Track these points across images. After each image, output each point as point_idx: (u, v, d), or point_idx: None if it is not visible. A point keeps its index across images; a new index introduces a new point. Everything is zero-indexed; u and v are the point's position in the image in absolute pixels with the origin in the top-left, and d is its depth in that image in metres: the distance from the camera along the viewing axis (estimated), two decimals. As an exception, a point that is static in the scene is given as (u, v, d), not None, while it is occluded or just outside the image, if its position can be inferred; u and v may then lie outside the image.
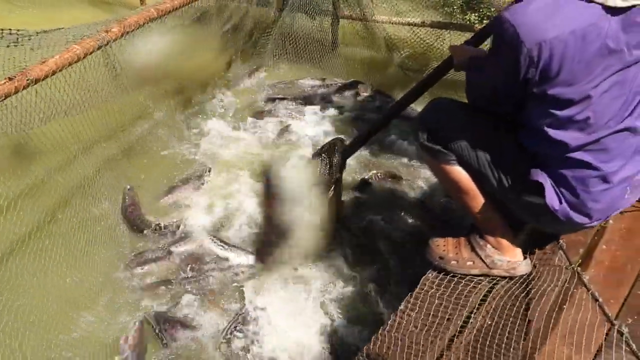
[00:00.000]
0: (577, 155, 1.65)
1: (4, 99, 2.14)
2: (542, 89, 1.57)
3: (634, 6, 1.47)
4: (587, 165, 1.66)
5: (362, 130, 2.70)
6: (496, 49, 1.66)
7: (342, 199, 2.88)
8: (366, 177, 3.27)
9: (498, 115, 1.81)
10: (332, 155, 2.58)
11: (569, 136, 1.62)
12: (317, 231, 2.51)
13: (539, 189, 1.72)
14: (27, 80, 2.19)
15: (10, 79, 2.18)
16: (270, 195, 2.65)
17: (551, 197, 1.72)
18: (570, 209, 1.74)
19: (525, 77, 1.57)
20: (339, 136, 2.68)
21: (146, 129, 3.54)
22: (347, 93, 4.26)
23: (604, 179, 1.68)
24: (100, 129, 3.08)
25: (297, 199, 2.44)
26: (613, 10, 1.47)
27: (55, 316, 2.32)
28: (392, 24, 4.19)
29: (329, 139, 2.99)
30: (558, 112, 1.59)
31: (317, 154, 2.68)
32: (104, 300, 2.50)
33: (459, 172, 1.92)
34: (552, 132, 1.63)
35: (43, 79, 2.29)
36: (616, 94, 1.57)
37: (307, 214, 2.42)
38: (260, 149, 3.62)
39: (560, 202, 1.73)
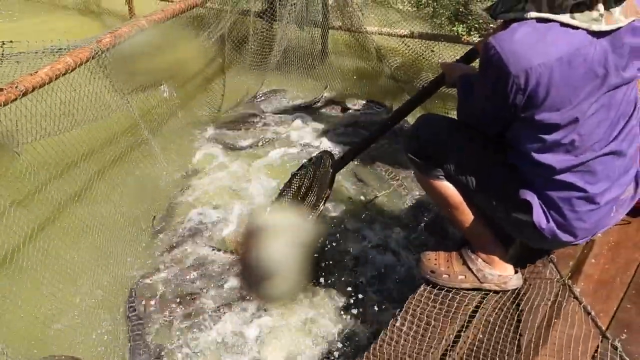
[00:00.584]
0: (564, 177, 1.67)
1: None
2: (528, 113, 1.59)
3: (620, 28, 1.50)
4: (574, 187, 1.68)
5: (353, 143, 2.68)
6: (484, 73, 1.67)
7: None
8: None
9: (488, 133, 1.83)
10: (320, 169, 2.53)
11: (555, 159, 1.64)
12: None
13: (527, 207, 1.73)
14: (17, 91, 2.18)
15: (-1, 90, 2.17)
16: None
17: (538, 216, 1.74)
18: (556, 227, 1.76)
19: (513, 102, 1.58)
20: (326, 150, 2.64)
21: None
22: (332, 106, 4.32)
23: (590, 200, 1.70)
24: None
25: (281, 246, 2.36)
26: (599, 34, 1.49)
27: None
28: (382, 34, 4.22)
29: (314, 153, 2.96)
30: (545, 136, 1.61)
31: (304, 166, 2.60)
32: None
33: (447, 187, 1.93)
34: (538, 155, 1.65)
35: (33, 91, 2.28)
36: (602, 117, 1.59)
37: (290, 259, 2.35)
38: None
39: (548, 221, 1.75)
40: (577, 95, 1.53)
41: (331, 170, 2.46)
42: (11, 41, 2.43)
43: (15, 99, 2.22)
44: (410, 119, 2.92)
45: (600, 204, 1.71)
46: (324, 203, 2.49)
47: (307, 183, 2.47)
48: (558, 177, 1.67)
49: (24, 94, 2.25)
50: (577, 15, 1.48)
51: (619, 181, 1.72)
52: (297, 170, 2.59)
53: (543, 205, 1.74)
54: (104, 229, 2.84)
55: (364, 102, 4.35)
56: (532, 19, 1.52)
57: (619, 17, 1.49)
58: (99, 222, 2.86)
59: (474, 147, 1.87)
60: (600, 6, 1.47)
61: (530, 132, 1.64)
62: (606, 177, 1.68)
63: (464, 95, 1.88)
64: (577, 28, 1.48)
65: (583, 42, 1.48)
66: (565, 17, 1.48)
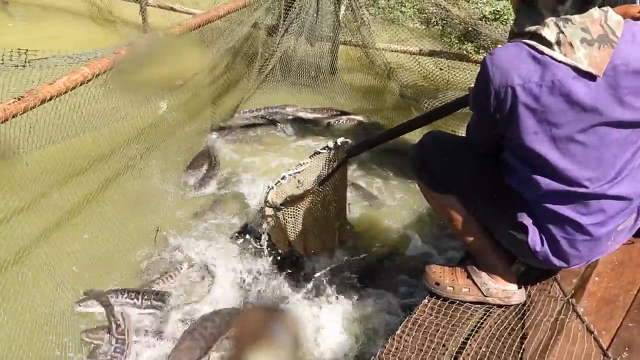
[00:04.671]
0: (557, 206, 1.71)
1: (12, 118, 2.19)
2: (508, 133, 1.65)
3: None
4: (566, 217, 1.72)
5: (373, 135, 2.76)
6: (475, 85, 1.72)
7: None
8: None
9: (489, 156, 1.88)
10: (341, 154, 2.67)
11: (543, 181, 1.68)
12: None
13: (524, 228, 1.78)
14: (37, 99, 2.24)
15: (19, 98, 2.23)
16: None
17: (533, 239, 1.78)
18: (550, 253, 1.80)
19: (494, 118, 1.64)
20: (345, 139, 2.74)
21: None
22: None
23: (584, 231, 1.74)
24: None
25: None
26: (581, 73, 1.53)
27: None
28: (392, 51, 4.27)
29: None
30: (528, 158, 1.66)
31: (327, 147, 2.75)
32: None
33: (452, 202, 1.97)
34: (528, 174, 1.70)
35: (50, 99, 2.35)
36: (591, 153, 1.62)
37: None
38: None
39: (542, 245, 1.79)
40: (556, 123, 1.57)
41: (345, 154, 2.57)
42: (26, 50, 2.48)
43: (34, 107, 2.28)
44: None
45: (594, 236, 1.75)
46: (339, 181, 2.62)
47: (326, 165, 2.65)
48: (551, 205, 1.71)
49: (42, 102, 2.32)
50: (556, 48, 1.53)
51: (617, 216, 1.75)
52: (320, 150, 2.75)
53: (538, 230, 1.78)
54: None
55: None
56: (524, 43, 1.58)
57: (579, 58, 1.52)
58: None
59: (476, 166, 1.92)
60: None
61: (515, 150, 1.70)
62: (600, 211, 1.71)
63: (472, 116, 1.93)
64: (559, 61, 1.53)
65: (568, 75, 1.53)
66: (550, 50, 1.54)
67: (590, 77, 1.53)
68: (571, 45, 1.52)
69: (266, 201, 2.65)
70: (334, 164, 2.71)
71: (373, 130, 4.18)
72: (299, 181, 2.77)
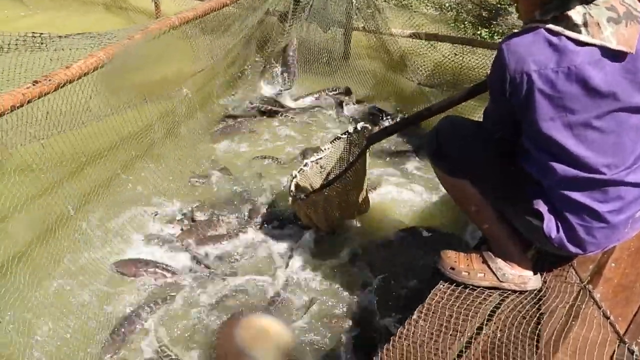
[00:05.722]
0: (574, 193, 1.69)
1: (29, 104, 2.19)
2: (525, 118, 1.64)
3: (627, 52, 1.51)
4: (583, 204, 1.70)
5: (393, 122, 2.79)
6: (491, 71, 1.72)
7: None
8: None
9: (505, 142, 1.86)
10: (361, 139, 2.70)
11: (559, 167, 1.66)
12: None
13: (539, 214, 1.77)
14: (52, 84, 2.25)
15: (35, 82, 2.23)
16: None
17: (549, 225, 1.77)
18: (566, 239, 1.79)
19: (511, 103, 1.63)
20: (365, 125, 2.79)
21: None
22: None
23: (600, 218, 1.72)
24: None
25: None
26: (611, 55, 1.51)
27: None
28: (406, 37, 4.23)
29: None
30: (544, 144, 1.65)
31: (347, 133, 2.81)
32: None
33: (468, 187, 1.96)
34: (544, 161, 1.68)
35: (66, 84, 2.35)
36: (610, 139, 1.61)
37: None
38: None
39: (557, 232, 1.78)
40: (572, 109, 1.55)
41: (366, 141, 2.56)
42: (41, 34, 2.48)
43: (50, 92, 2.28)
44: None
45: (611, 223, 1.73)
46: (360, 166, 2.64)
47: (346, 150, 2.74)
48: (568, 192, 1.69)
49: (58, 87, 2.32)
50: (583, 30, 1.51)
51: (635, 202, 1.73)
52: (340, 135, 2.83)
53: (554, 216, 1.77)
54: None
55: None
56: (543, 28, 1.56)
57: (607, 37, 1.50)
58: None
59: (492, 151, 1.90)
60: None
61: (532, 137, 1.68)
62: (618, 198, 1.70)
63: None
64: (585, 44, 1.51)
65: (587, 59, 1.51)
66: (570, 32, 1.52)
67: (620, 56, 1.51)
68: (598, 25, 1.50)
69: (290, 191, 2.70)
70: (354, 149, 2.74)
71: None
72: (321, 167, 2.84)
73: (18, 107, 2.12)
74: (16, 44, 2.36)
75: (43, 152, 2.45)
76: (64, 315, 2.43)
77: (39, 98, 2.24)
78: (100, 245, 2.81)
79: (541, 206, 1.77)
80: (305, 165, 2.79)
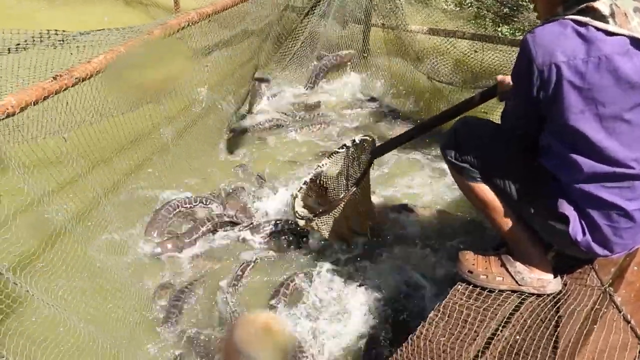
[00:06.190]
0: (602, 193, 1.65)
1: (49, 97, 2.21)
2: (553, 111, 1.60)
3: None
4: (611, 203, 1.66)
5: (396, 134, 2.70)
6: (516, 65, 1.68)
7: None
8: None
9: (526, 140, 1.83)
10: (360, 152, 2.63)
11: (585, 163, 1.62)
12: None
13: (565, 218, 1.73)
14: (73, 79, 2.26)
15: (55, 77, 2.25)
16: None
17: (575, 229, 1.73)
18: (592, 241, 1.75)
19: (537, 97, 1.59)
20: (369, 135, 2.71)
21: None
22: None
23: (629, 217, 1.68)
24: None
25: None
26: (636, 43, 1.48)
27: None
28: (425, 33, 4.20)
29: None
30: (571, 137, 1.61)
31: (345, 146, 2.74)
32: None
33: (486, 190, 1.93)
34: (568, 156, 1.64)
35: (87, 79, 2.36)
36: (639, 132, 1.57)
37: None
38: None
39: (584, 234, 1.74)
40: (603, 101, 1.52)
41: (370, 156, 2.52)
42: (56, 31, 2.50)
43: (71, 86, 2.30)
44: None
45: (637, 222, 1.69)
46: (362, 184, 2.57)
47: (346, 164, 2.58)
48: (594, 190, 1.65)
49: (79, 82, 2.34)
50: (610, 20, 1.48)
51: None
52: (338, 149, 2.74)
53: (580, 219, 1.73)
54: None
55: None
56: (569, 19, 1.53)
57: (634, 27, 1.47)
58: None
59: (512, 152, 1.87)
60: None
61: (557, 132, 1.64)
62: None
63: (508, 104, 1.89)
64: (614, 34, 1.48)
65: (616, 49, 1.48)
66: (598, 23, 1.48)
67: None
68: (625, 15, 1.47)
69: (295, 212, 2.66)
70: (356, 162, 2.66)
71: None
72: (320, 183, 2.76)
73: (40, 102, 2.14)
74: (34, 41, 2.38)
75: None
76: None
77: (61, 91, 2.27)
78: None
79: (566, 208, 1.72)
80: (304, 183, 2.73)
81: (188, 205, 3.10)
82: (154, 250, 2.81)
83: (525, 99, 1.68)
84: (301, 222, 2.62)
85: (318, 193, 2.82)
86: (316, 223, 2.57)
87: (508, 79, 2.09)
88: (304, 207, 2.73)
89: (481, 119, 2.08)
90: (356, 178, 2.61)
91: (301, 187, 2.74)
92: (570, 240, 1.76)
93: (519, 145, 1.85)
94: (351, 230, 2.76)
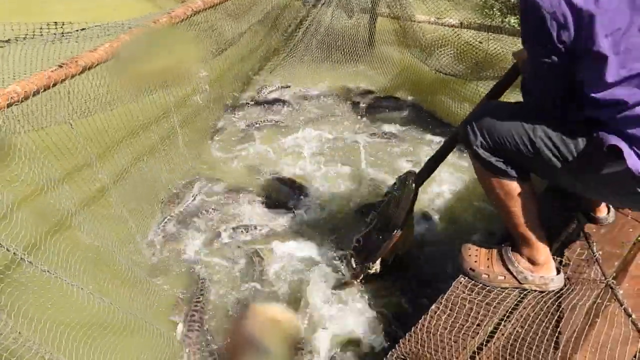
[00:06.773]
0: None
1: (54, 86, 2.21)
2: (581, 47, 1.50)
3: None
4: None
5: (430, 156, 2.55)
6: (525, 23, 1.60)
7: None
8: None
9: (555, 96, 1.71)
10: (402, 190, 2.51)
11: (627, 93, 1.50)
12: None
13: (617, 155, 1.56)
14: (78, 66, 2.26)
15: (60, 65, 2.25)
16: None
17: (632, 160, 1.55)
18: None
19: (560, 40, 1.51)
20: (410, 170, 2.58)
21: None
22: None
23: None
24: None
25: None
26: None
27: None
28: (432, 24, 4.16)
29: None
30: (606, 69, 1.50)
31: (389, 192, 2.64)
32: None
33: (515, 188, 1.84)
34: (608, 93, 1.52)
35: (92, 67, 2.36)
36: None
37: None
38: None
39: None
40: (623, 20, 1.45)
41: (414, 186, 2.45)
42: (63, 23, 2.50)
43: (76, 75, 2.30)
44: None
45: None
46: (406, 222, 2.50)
47: (394, 204, 2.50)
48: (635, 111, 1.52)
49: (84, 70, 2.34)
50: None
51: None
52: (385, 196, 2.67)
53: (633, 147, 1.56)
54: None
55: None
56: None
57: None
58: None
59: (540, 120, 1.73)
60: None
61: (590, 69, 1.53)
62: None
63: (528, 73, 1.78)
64: None
65: None
66: None
67: None
68: None
69: (353, 268, 2.61)
70: (405, 201, 2.50)
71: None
72: (373, 235, 2.63)
73: (44, 90, 2.14)
74: (41, 33, 2.39)
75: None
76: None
77: (65, 80, 2.27)
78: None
79: (614, 139, 1.55)
80: (358, 241, 2.63)
81: None
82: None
83: (548, 54, 1.57)
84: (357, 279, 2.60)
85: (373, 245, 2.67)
86: (372, 266, 2.53)
87: (521, 51, 1.99)
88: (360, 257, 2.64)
89: (501, 101, 1.98)
90: (402, 217, 2.48)
91: (355, 246, 2.64)
92: (632, 181, 1.59)
93: (548, 120, 1.72)
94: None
